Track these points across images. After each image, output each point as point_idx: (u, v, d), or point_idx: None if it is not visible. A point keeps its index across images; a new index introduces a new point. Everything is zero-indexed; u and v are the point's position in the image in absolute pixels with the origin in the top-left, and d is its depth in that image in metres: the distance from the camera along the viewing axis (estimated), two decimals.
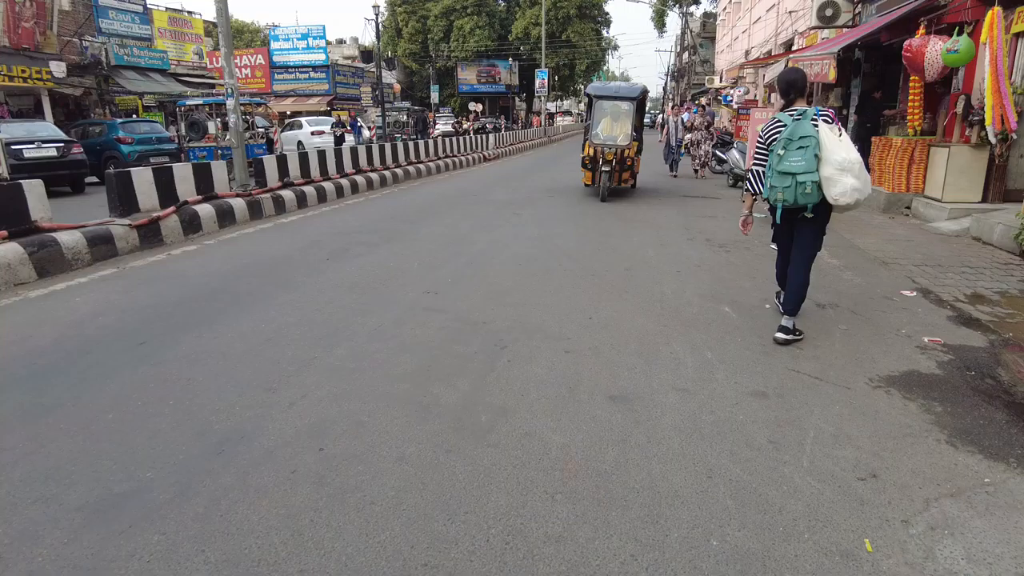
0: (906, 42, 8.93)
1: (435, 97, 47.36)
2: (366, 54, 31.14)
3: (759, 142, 4.38)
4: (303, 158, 10.97)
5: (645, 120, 22.36)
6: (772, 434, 3.02)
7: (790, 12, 19.98)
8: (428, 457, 2.79)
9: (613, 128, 11.20)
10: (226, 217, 8.31)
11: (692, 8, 47.78)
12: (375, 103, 36.60)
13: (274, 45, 40.97)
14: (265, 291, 5.54)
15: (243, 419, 3.17)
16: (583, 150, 11.27)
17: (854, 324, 4.66)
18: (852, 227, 8.54)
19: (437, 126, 36.73)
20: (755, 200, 4.49)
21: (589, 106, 11.86)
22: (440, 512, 2.41)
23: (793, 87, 4.33)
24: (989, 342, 4.31)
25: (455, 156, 18.67)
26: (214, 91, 29.59)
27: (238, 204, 8.58)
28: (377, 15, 20.51)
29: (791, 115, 4.17)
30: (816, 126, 4.03)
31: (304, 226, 8.74)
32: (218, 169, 8.64)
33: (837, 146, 3.98)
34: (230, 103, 8.80)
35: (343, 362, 3.92)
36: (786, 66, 14.20)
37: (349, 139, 21.74)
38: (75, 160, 13.26)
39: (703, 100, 24.85)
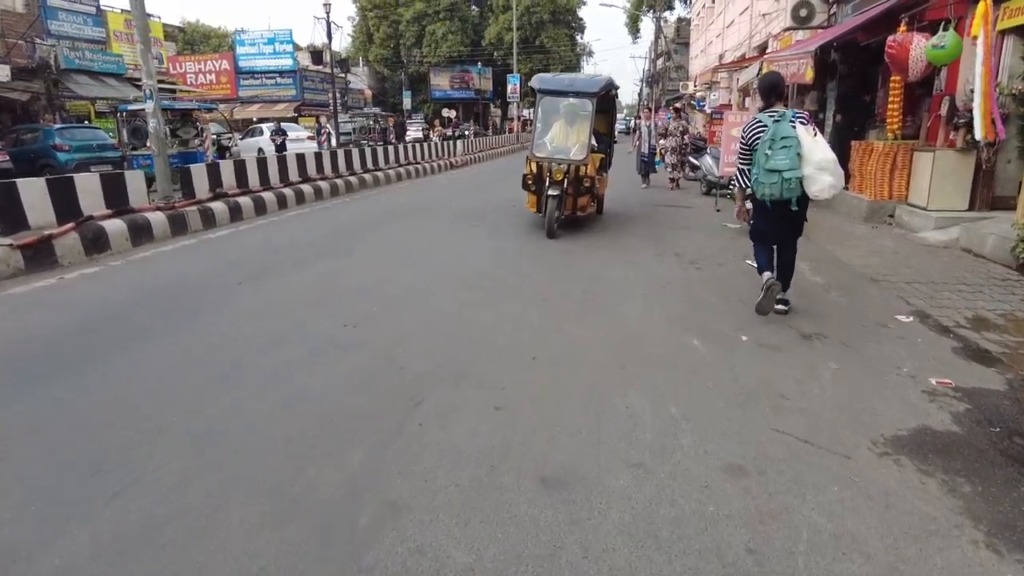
0: (889, 38, 8.31)
1: (407, 103, 46.38)
2: (317, 55, 29.61)
3: (741, 142, 4.69)
4: (239, 166, 9.99)
5: (618, 126, 20.45)
6: (752, 537, 2.23)
7: (763, 15, 19.50)
8: None
9: (566, 136, 8.23)
10: (142, 234, 7.36)
11: (666, 13, 47.56)
12: (344, 108, 35.61)
13: (240, 50, 39.63)
14: (157, 325, 4.65)
15: (36, 524, 2.32)
16: (526, 165, 8.21)
17: (846, 361, 3.93)
18: (834, 238, 7.88)
19: (408, 132, 35.73)
20: (744, 194, 4.97)
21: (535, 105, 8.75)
22: None
23: (774, 90, 4.70)
24: (1007, 383, 3.59)
25: (419, 163, 17.80)
26: (175, 96, 28.37)
27: (157, 219, 7.63)
28: (328, 13, 19.51)
29: (771, 116, 4.48)
30: (794, 127, 4.37)
31: (231, 242, 7.82)
32: (133, 179, 7.68)
33: (815, 146, 4.33)
34: (149, 106, 7.88)
35: (211, 425, 3.07)
36: (760, 67, 13.66)
37: (300, 146, 19.82)
38: None
39: (678, 104, 24.33)
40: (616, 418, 3.14)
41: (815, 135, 4.39)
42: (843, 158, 10.66)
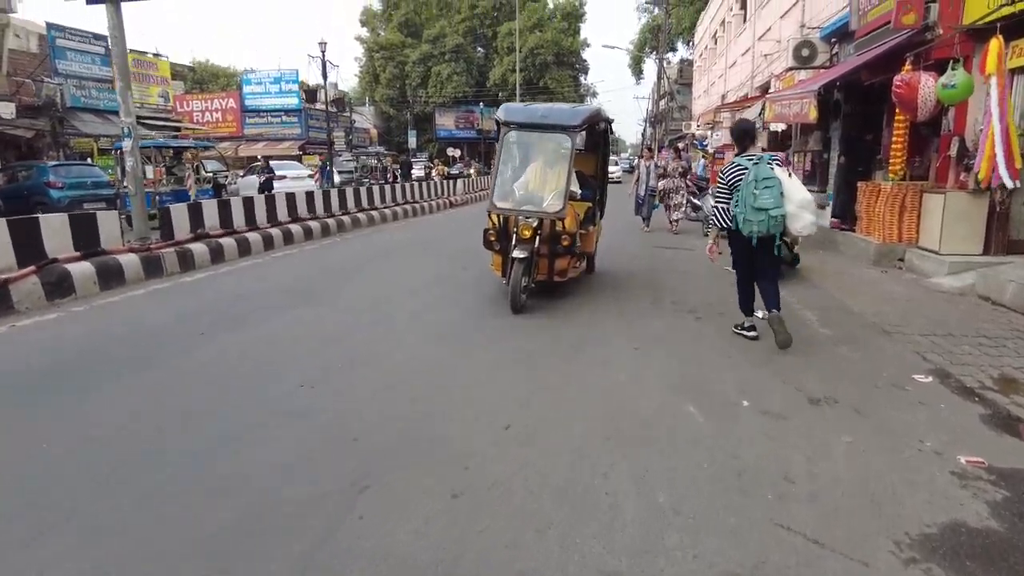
0: (896, 78, 8.02)
1: (412, 142, 46.73)
2: (311, 94, 29.48)
3: (720, 183, 4.98)
4: (223, 206, 9.69)
5: (621, 165, 19.04)
6: None
7: (765, 55, 19.45)
8: None
9: (542, 180, 6.37)
10: (112, 277, 7.00)
11: (668, 55, 48.08)
12: (349, 147, 35.77)
13: (247, 89, 40.20)
14: (101, 380, 4.24)
15: None
16: (488, 219, 6.44)
17: (861, 432, 3.46)
18: (843, 284, 7.46)
19: (412, 171, 35.76)
20: (720, 233, 5.16)
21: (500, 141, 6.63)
22: None
23: (747, 136, 5.03)
24: None
25: (417, 202, 17.58)
26: (179, 134, 28.55)
27: (129, 261, 7.27)
28: (324, 52, 19.55)
29: (749, 159, 4.78)
30: (772, 168, 4.67)
31: (207, 286, 7.44)
32: (106, 220, 7.35)
33: (793, 187, 4.68)
34: (127, 145, 7.63)
35: (111, 517, 2.63)
36: (763, 107, 13.43)
37: (301, 184, 19.03)
38: None
39: (680, 144, 24.12)
40: (594, 508, 2.68)
41: (791, 176, 4.77)
42: (849, 199, 10.40)
